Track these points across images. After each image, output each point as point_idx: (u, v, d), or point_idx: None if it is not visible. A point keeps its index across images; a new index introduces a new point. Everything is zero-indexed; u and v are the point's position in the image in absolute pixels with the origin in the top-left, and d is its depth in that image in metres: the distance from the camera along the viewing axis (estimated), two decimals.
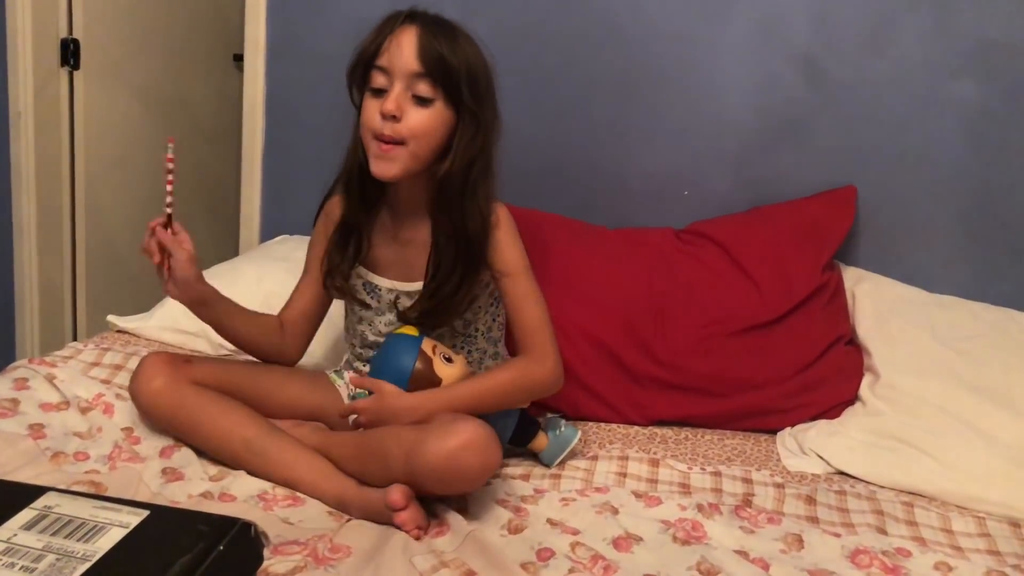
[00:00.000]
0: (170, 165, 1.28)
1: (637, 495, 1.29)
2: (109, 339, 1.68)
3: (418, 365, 1.32)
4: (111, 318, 1.76)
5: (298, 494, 1.22)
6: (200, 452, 1.28)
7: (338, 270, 1.42)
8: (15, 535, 0.83)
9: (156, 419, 1.31)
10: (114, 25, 2.38)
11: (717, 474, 1.40)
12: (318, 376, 1.48)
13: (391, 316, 1.42)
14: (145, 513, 0.87)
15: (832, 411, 1.59)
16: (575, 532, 1.18)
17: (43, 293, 2.34)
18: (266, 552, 1.02)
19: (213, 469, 1.25)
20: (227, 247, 2.33)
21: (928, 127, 1.80)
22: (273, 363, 1.46)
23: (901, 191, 1.83)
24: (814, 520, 1.28)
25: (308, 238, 1.99)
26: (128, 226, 2.54)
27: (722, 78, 1.87)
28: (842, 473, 1.45)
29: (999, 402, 1.51)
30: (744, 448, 1.53)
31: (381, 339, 1.43)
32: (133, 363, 1.54)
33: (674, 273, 1.74)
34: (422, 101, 1.27)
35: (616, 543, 1.16)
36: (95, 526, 0.84)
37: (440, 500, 1.20)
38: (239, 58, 2.23)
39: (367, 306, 1.43)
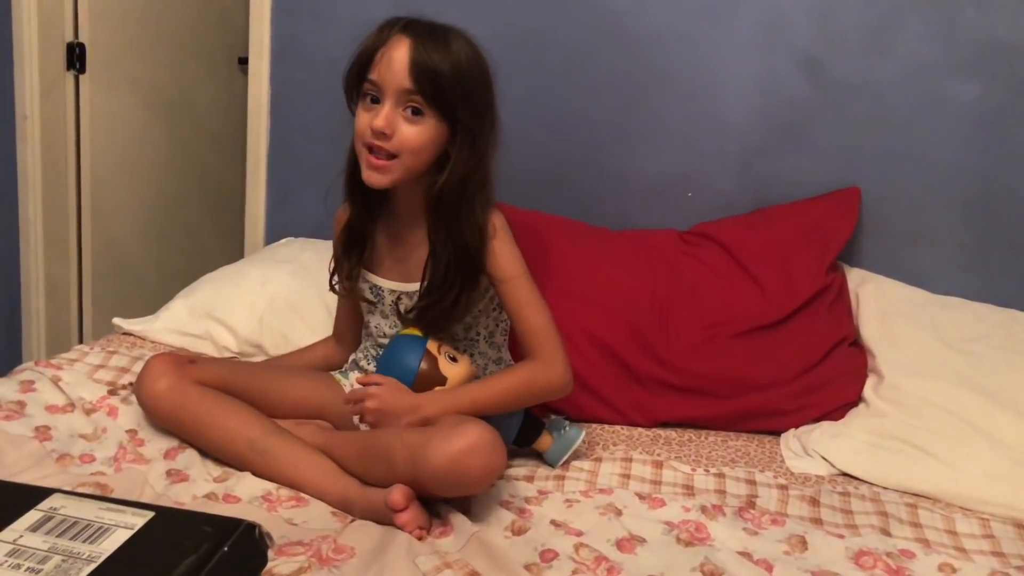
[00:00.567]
0: None
1: (641, 496, 1.29)
2: (115, 341, 1.69)
3: (423, 364, 1.33)
4: (117, 321, 1.76)
5: (302, 495, 1.22)
6: (204, 453, 1.29)
7: (344, 273, 1.43)
8: (21, 536, 0.84)
9: (161, 420, 1.32)
10: (120, 29, 2.39)
11: (721, 476, 1.40)
12: (323, 376, 1.48)
13: (394, 317, 1.42)
14: (150, 514, 0.87)
15: (836, 412, 1.59)
16: (579, 533, 1.18)
17: (49, 295, 2.35)
18: (270, 553, 1.02)
19: (217, 470, 1.26)
20: (232, 249, 2.34)
21: (932, 127, 1.80)
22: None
23: (905, 192, 1.83)
24: (818, 522, 1.28)
25: (313, 240, 2.02)
26: (134, 228, 2.56)
27: (725, 79, 1.87)
28: (846, 475, 1.45)
29: (1003, 403, 1.51)
30: (748, 450, 1.53)
31: (386, 340, 1.44)
32: (138, 366, 1.54)
33: (678, 275, 1.74)
34: (413, 117, 1.26)
35: (620, 544, 1.16)
36: (100, 527, 0.85)
37: (443, 501, 1.20)
38: (244, 61, 2.24)
39: (372, 304, 1.44)
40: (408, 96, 1.25)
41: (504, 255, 1.35)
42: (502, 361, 1.51)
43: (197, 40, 2.68)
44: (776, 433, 1.59)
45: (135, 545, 0.84)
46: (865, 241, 1.86)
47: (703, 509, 1.26)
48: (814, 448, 1.50)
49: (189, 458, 1.27)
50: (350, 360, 1.54)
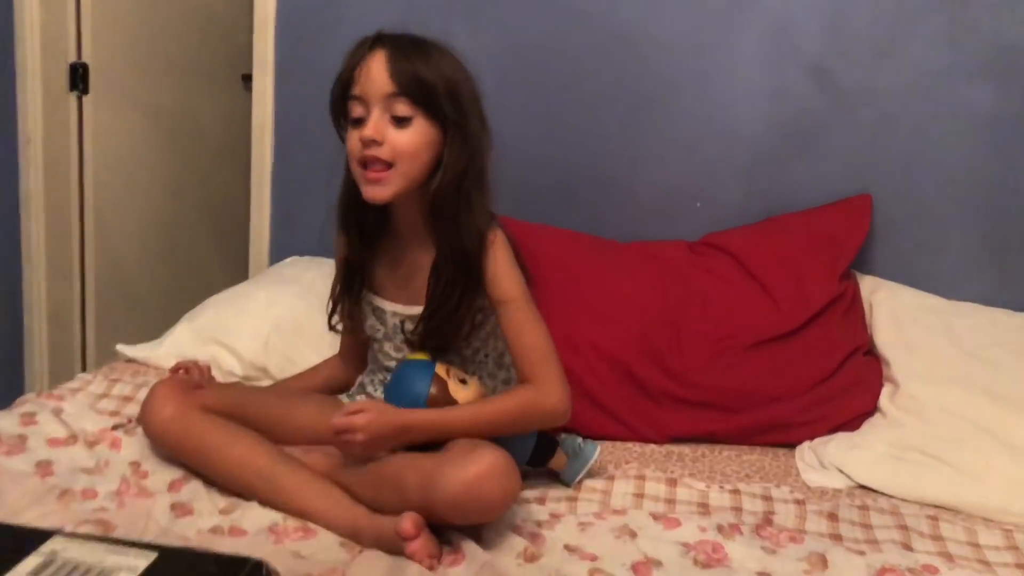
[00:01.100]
0: None
1: (655, 517, 1.27)
2: (118, 369, 1.67)
3: (433, 389, 1.30)
4: (120, 347, 1.74)
5: (309, 525, 1.20)
6: (210, 483, 1.26)
7: (344, 310, 1.44)
8: None
9: (166, 447, 1.30)
10: (122, 48, 2.38)
11: (736, 492, 1.37)
12: (330, 400, 1.46)
13: (398, 341, 1.40)
14: (153, 555, 0.85)
15: (852, 423, 1.57)
16: (593, 558, 1.15)
17: (52, 318, 2.34)
18: None
19: (223, 501, 1.23)
20: (237, 269, 2.32)
21: (943, 133, 1.77)
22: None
23: (917, 198, 1.81)
24: (837, 538, 1.25)
25: (318, 259, 2.00)
26: (137, 250, 2.54)
27: (733, 88, 1.85)
28: (864, 487, 1.43)
29: (1023, 410, 1.48)
30: (763, 464, 1.51)
31: (392, 362, 1.42)
32: (142, 394, 1.52)
33: (688, 286, 1.72)
34: (401, 121, 1.25)
35: (635, 568, 1.13)
36: (102, 572, 0.83)
37: (454, 528, 1.17)
38: (248, 78, 2.23)
39: (376, 329, 1.42)
40: (393, 100, 1.24)
41: (503, 274, 1.31)
42: (511, 381, 1.48)
43: (200, 58, 2.67)
44: (791, 446, 1.56)
45: None
46: (877, 248, 1.83)
47: (720, 528, 1.23)
48: (831, 460, 1.47)
49: (194, 490, 1.25)
50: (357, 383, 1.52)
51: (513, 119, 1.97)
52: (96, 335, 2.42)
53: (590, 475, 1.39)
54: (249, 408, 1.34)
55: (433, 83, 1.25)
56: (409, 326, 1.38)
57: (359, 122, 1.27)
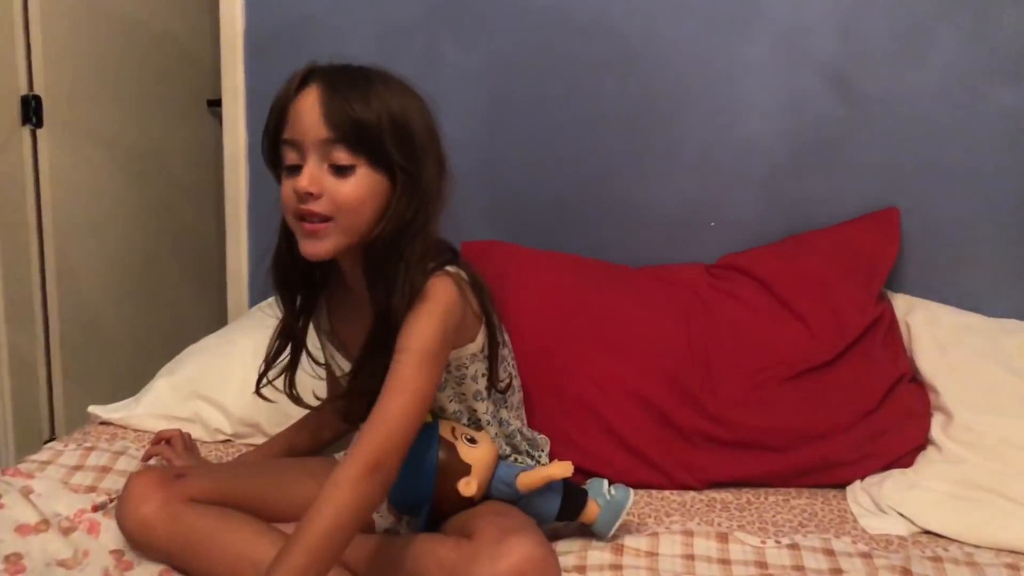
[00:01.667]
0: None
1: None
2: (92, 433, 1.50)
3: (441, 455, 1.17)
4: (93, 409, 1.57)
5: None
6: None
7: (274, 377, 1.28)
8: None
9: (150, 551, 1.13)
10: (77, 78, 2.21)
11: (795, 547, 1.24)
12: (330, 465, 1.30)
13: None
14: None
15: (904, 459, 1.44)
16: None
17: (15, 370, 2.15)
18: None
19: None
20: (214, 310, 2.16)
21: (971, 139, 1.67)
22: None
23: (946, 209, 1.70)
24: None
25: None
26: (105, 291, 2.36)
27: (746, 99, 1.73)
28: (929, 532, 1.30)
29: None
30: (814, 509, 1.38)
31: None
32: (122, 464, 1.37)
33: (712, 315, 1.59)
34: (341, 171, 1.08)
35: None
36: None
37: None
38: (214, 103, 2.08)
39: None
40: (329, 147, 1.07)
41: (415, 322, 1.08)
42: (515, 434, 1.33)
43: (162, 85, 2.50)
44: (841, 486, 1.43)
45: None
46: (906, 265, 1.71)
47: None
48: (888, 503, 1.35)
49: None
50: (353, 440, 1.36)
51: (508, 139, 1.85)
52: (64, 387, 2.23)
53: (627, 529, 1.25)
54: (241, 493, 1.18)
55: (376, 125, 1.07)
56: None
57: (294, 170, 1.10)
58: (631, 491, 1.25)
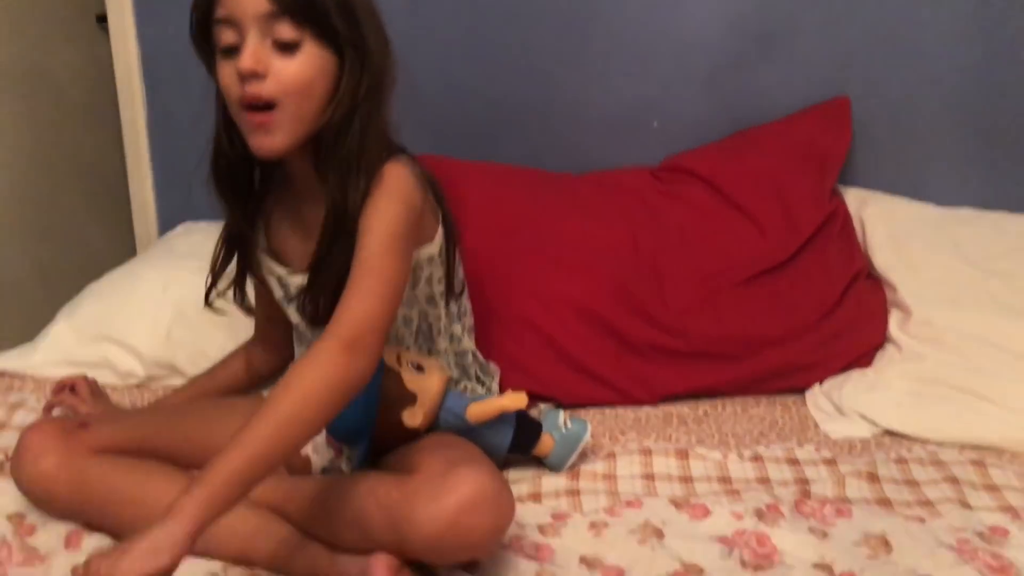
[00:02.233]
0: None
1: (677, 505, 1.06)
2: None
3: (384, 383, 1.06)
4: None
5: (257, 572, 0.94)
6: (117, 533, 0.98)
7: (238, 288, 1.18)
8: None
9: (54, 509, 1.01)
10: None
11: (758, 459, 1.18)
12: (258, 404, 1.18)
13: None
14: None
15: (863, 359, 1.39)
16: (620, 572, 0.94)
17: None
18: None
19: None
20: (123, 243, 1.99)
21: (923, 19, 1.57)
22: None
23: (897, 96, 1.61)
24: (886, 503, 1.07)
25: (216, 223, 1.67)
26: (1, 229, 2.16)
27: None
28: (891, 432, 1.25)
29: None
30: (773, 417, 1.32)
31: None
32: (19, 418, 1.23)
33: (660, 220, 1.49)
34: (286, 47, 0.98)
35: None
36: None
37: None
38: (102, 19, 1.87)
39: (284, 303, 1.17)
40: (272, 21, 0.97)
41: (376, 207, 1.00)
42: (467, 354, 1.23)
43: (44, 1, 2.25)
44: (800, 391, 1.38)
45: None
46: (857, 155, 1.63)
47: (758, 513, 1.03)
48: (850, 405, 1.29)
49: (98, 544, 0.97)
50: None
51: (430, 43, 1.69)
52: None
53: (583, 455, 1.17)
54: (157, 440, 1.06)
55: None
56: None
57: (231, 51, 0.98)
58: (588, 424, 1.17)
